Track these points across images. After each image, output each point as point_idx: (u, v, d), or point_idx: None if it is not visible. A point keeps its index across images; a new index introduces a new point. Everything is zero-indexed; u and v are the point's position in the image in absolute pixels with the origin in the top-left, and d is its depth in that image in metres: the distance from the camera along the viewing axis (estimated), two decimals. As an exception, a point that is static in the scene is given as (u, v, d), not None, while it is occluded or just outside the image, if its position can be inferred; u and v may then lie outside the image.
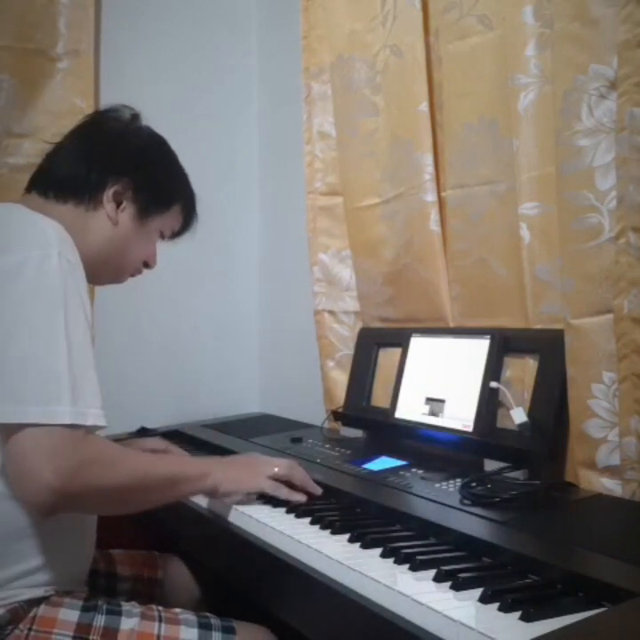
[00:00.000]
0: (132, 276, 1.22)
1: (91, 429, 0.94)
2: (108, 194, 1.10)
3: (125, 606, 1.01)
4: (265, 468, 1.12)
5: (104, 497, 0.94)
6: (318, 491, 1.14)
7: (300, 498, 1.10)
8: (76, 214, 1.09)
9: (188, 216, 1.23)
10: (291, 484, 1.12)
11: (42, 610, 0.95)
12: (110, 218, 1.11)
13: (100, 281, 1.21)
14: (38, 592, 0.96)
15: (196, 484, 1.05)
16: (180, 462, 1.14)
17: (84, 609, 0.97)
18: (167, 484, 1.02)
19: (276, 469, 1.11)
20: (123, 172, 1.11)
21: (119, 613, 0.99)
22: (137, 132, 1.18)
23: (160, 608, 1.04)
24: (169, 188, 1.19)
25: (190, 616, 1.03)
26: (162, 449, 1.40)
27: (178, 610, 1.05)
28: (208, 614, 1.05)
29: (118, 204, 1.12)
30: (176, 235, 1.23)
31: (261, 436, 1.63)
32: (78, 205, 1.10)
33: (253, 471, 1.11)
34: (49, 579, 0.98)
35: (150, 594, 1.23)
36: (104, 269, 1.15)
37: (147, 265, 1.22)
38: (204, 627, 1.01)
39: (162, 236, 1.21)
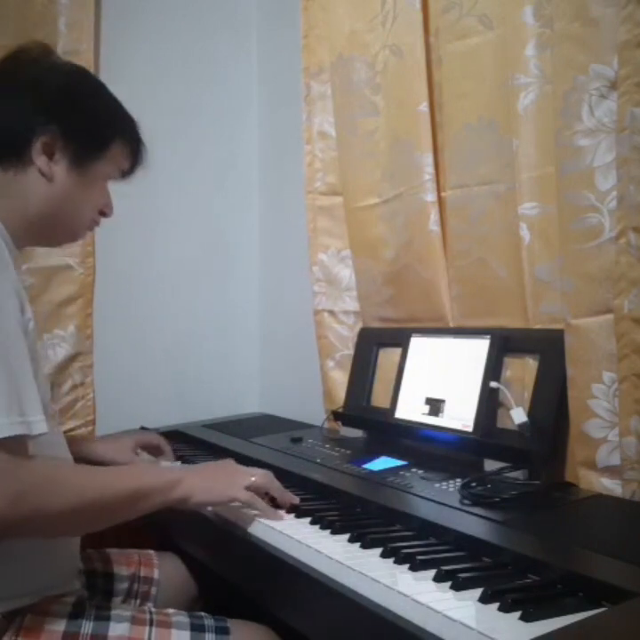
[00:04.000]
0: (90, 229, 1.12)
1: (34, 443, 0.86)
2: (37, 147, 0.98)
3: (115, 610, 0.99)
4: (241, 477, 1.04)
5: (57, 520, 0.88)
6: (295, 500, 1.09)
7: (276, 516, 1.04)
8: (6, 178, 0.98)
9: (135, 149, 1.09)
10: (264, 495, 1.07)
11: (27, 620, 0.91)
12: (44, 174, 0.98)
13: (56, 242, 1.12)
14: (23, 601, 0.92)
15: (165, 494, 0.96)
16: (141, 474, 1.00)
17: (71, 616, 0.94)
18: (128, 500, 0.94)
19: (253, 479, 1.04)
20: (47, 120, 0.98)
21: (108, 619, 0.96)
22: (53, 70, 1.02)
23: (153, 610, 1.02)
24: (102, 126, 1.05)
25: (183, 617, 1.01)
26: (154, 445, 1.42)
27: (171, 611, 1.03)
28: (202, 614, 1.03)
29: (50, 157, 0.99)
30: (128, 173, 1.11)
31: (261, 435, 1.62)
32: (7, 168, 0.98)
33: (229, 480, 1.03)
34: (33, 586, 0.94)
35: (147, 593, 1.23)
36: (54, 231, 1.06)
37: (103, 214, 1.10)
38: (197, 628, 0.99)
39: (111, 179, 1.09)
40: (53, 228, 1.04)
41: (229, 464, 1.11)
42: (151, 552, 1.31)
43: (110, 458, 1.31)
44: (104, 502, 0.91)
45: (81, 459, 1.24)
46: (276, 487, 1.08)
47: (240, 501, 1.03)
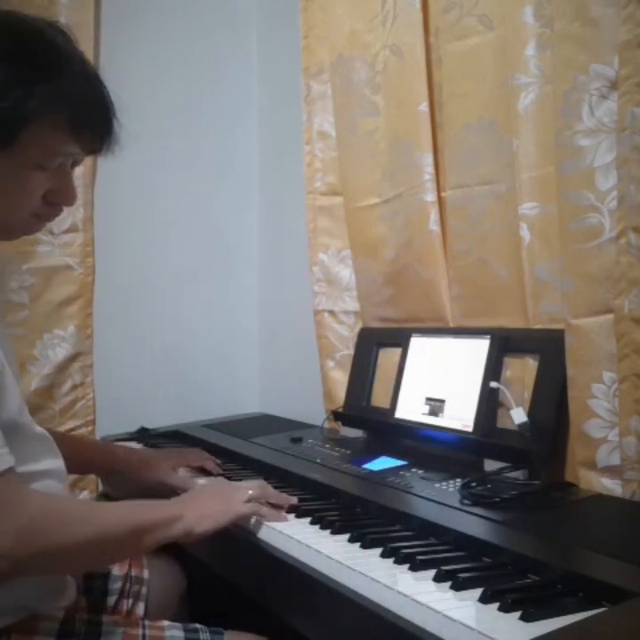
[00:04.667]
0: (48, 220, 0.97)
1: (9, 477, 0.82)
2: None
3: (106, 626, 0.96)
4: (238, 493, 1.03)
5: (61, 557, 0.86)
6: (293, 500, 1.10)
7: (282, 518, 1.05)
8: None
9: (82, 131, 0.90)
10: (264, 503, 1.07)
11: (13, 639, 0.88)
12: None
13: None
14: (8, 620, 0.88)
15: (166, 530, 0.93)
16: (141, 509, 0.97)
17: (60, 635, 0.91)
18: (131, 535, 0.91)
19: (250, 492, 1.03)
20: None
21: (98, 635, 0.93)
22: None
23: (146, 623, 1.00)
24: (8, 108, 0.83)
25: (177, 631, 0.98)
26: (197, 465, 1.36)
27: (165, 623, 1.01)
28: (197, 627, 1.01)
29: None
30: (91, 152, 0.95)
31: (261, 435, 1.62)
32: None
33: (227, 501, 1.01)
34: (21, 603, 0.90)
35: (138, 592, 1.23)
36: None
37: (52, 203, 0.94)
38: None
39: (51, 166, 0.90)
40: None
41: (222, 484, 1.09)
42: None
43: (149, 474, 1.28)
44: (106, 537, 0.89)
45: (116, 470, 1.24)
46: (272, 494, 1.09)
47: (245, 515, 1.02)
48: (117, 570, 1.23)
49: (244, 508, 1.01)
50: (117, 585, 1.22)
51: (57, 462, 1.00)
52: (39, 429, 0.98)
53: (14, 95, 0.83)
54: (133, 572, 1.24)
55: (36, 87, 0.84)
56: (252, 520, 1.04)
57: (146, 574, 1.25)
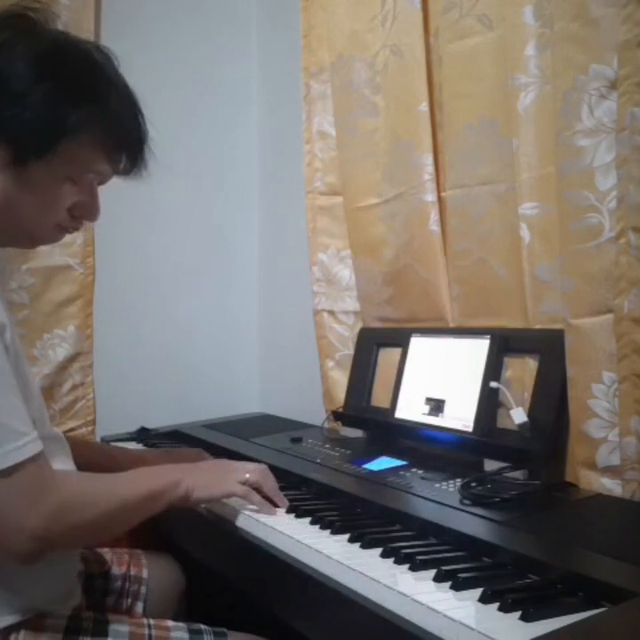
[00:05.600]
0: (69, 232, 1.01)
1: (40, 459, 0.85)
2: None
3: (113, 625, 0.98)
4: (236, 473, 1.07)
5: (88, 531, 0.91)
6: (286, 503, 1.10)
7: (271, 511, 1.07)
8: None
9: (115, 148, 0.96)
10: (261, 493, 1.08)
11: (22, 636, 0.90)
12: None
13: (16, 244, 1.02)
14: (16, 617, 0.91)
15: (170, 494, 0.99)
16: (151, 476, 1.03)
17: (68, 631, 0.93)
18: (144, 502, 0.97)
19: (248, 475, 1.07)
20: None
21: (105, 634, 0.95)
22: (10, 50, 0.87)
23: (152, 622, 1.01)
24: (52, 121, 0.88)
25: (182, 633, 1.00)
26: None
27: (170, 623, 1.02)
28: (201, 627, 1.02)
29: None
30: (121, 173, 1.00)
31: (261, 436, 1.62)
32: None
33: (224, 476, 1.06)
34: (29, 602, 0.93)
35: (137, 592, 1.23)
36: (7, 233, 0.96)
37: (76, 217, 0.98)
38: None
39: (79, 180, 0.95)
40: (3, 230, 0.95)
41: (225, 461, 1.13)
42: (139, 552, 1.31)
43: None
44: (128, 507, 0.95)
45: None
46: (270, 485, 1.10)
47: (237, 495, 1.06)
48: (117, 569, 1.24)
49: (237, 489, 1.05)
50: (117, 584, 1.22)
51: (69, 463, 1.04)
52: (55, 429, 1.03)
53: (58, 109, 0.88)
54: (132, 572, 1.25)
55: (79, 105, 0.90)
56: (250, 517, 1.04)
57: (145, 574, 1.26)
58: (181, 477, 1.01)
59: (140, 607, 1.21)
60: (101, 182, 1.00)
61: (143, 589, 1.23)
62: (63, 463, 1.01)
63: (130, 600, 1.21)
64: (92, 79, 0.93)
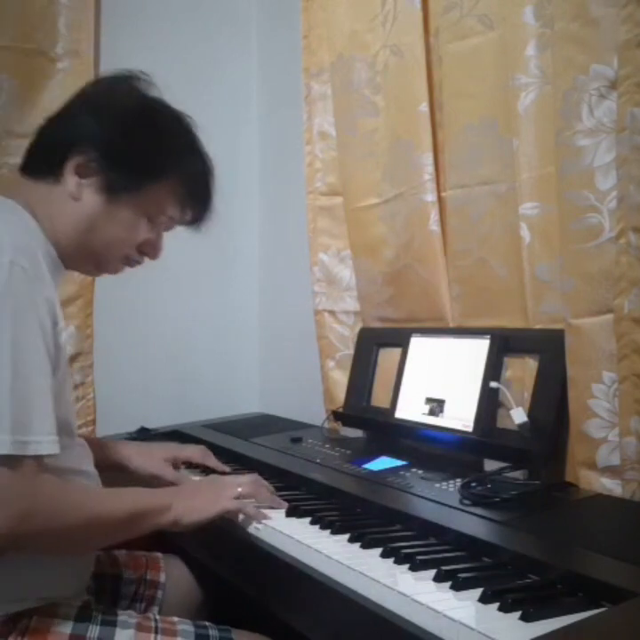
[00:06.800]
0: (131, 265, 1.10)
1: (40, 461, 0.86)
2: (71, 164, 0.98)
3: (121, 616, 0.99)
4: (228, 489, 1.06)
5: (56, 540, 0.90)
6: (284, 505, 1.10)
7: (266, 517, 1.05)
8: (42, 190, 0.99)
9: (187, 200, 1.07)
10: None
11: (34, 621, 0.92)
12: (71, 192, 0.98)
13: (82, 268, 1.09)
14: (30, 603, 0.93)
15: (157, 518, 0.98)
16: (138, 496, 1.01)
17: (78, 619, 0.95)
18: (126, 521, 0.96)
19: (240, 489, 1.06)
20: (90, 140, 0.98)
21: (114, 624, 0.97)
22: (122, 94, 1.03)
23: (158, 617, 1.03)
24: (145, 164, 1.01)
25: (188, 626, 1.01)
26: (198, 460, 1.36)
27: (176, 619, 1.04)
28: (206, 624, 1.03)
29: (82, 177, 0.99)
30: (186, 223, 1.10)
31: (261, 436, 1.62)
32: (43, 179, 0.99)
33: (215, 495, 1.05)
34: (43, 591, 0.95)
35: (152, 597, 1.23)
36: (79, 255, 1.03)
37: (143, 253, 1.09)
38: (201, 638, 1.00)
39: (156, 220, 1.06)
40: (77, 249, 1.02)
41: (217, 478, 1.13)
42: (158, 555, 1.31)
43: (143, 467, 1.28)
44: (103, 522, 0.94)
45: (114, 464, 1.24)
46: (263, 496, 1.10)
47: (230, 511, 1.05)
48: (131, 573, 1.23)
49: (231, 505, 1.04)
50: (131, 588, 1.22)
51: (92, 466, 1.06)
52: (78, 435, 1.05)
53: (153, 157, 1.02)
54: (149, 576, 1.24)
55: (171, 157, 1.04)
56: (241, 517, 1.05)
57: (162, 577, 1.25)
58: (171, 502, 0.99)
59: (154, 611, 1.20)
60: (167, 228, 1.09)
61: (159, 594, 1.23)
62: (88, 466, 1.05)
63: (144, 605, 1.21)
64: (183, 137, 1.08)
